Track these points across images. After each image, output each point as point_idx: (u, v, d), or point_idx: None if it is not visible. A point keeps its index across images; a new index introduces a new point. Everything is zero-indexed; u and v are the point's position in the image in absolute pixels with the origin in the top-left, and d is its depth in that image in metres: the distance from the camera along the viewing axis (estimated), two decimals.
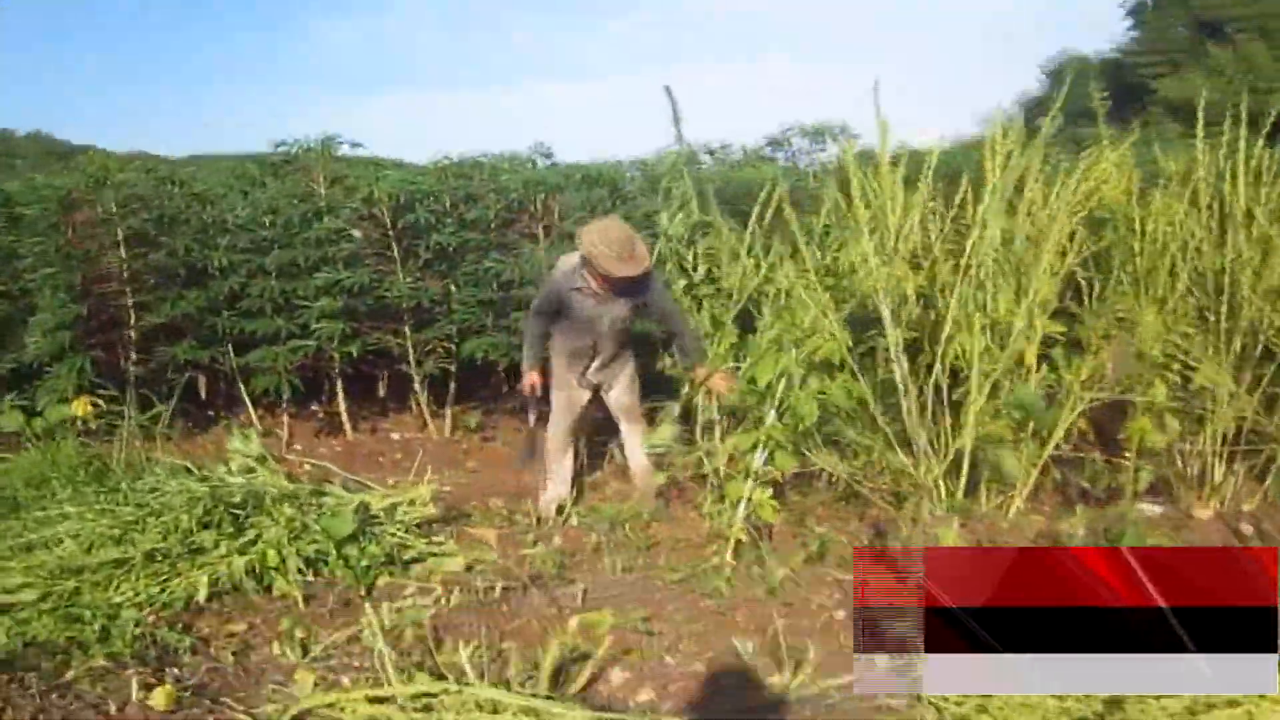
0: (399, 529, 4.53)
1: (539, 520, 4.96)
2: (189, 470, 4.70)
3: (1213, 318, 4.51)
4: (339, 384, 6.67)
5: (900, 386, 4.04)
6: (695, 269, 5.31)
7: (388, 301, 6.22)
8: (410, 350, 6.37)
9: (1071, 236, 4.53)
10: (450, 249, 6.25)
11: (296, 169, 6.69)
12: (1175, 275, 4.58)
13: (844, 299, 4.06)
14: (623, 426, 5.12)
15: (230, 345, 6.45)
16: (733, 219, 5.37)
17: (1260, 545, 4.35)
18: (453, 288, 6.38)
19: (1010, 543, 4.29)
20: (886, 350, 4.08)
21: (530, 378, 5.05)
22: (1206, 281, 4.56)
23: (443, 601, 3.93)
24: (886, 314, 3.95)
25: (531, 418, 5.29)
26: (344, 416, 6.72)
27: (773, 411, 3.99)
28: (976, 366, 3.76)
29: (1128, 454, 4.59)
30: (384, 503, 4.58)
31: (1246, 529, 4.48)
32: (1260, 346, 4.45)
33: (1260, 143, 4.83)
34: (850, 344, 4.04)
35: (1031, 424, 4.18)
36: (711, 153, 6.94)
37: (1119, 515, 4.50)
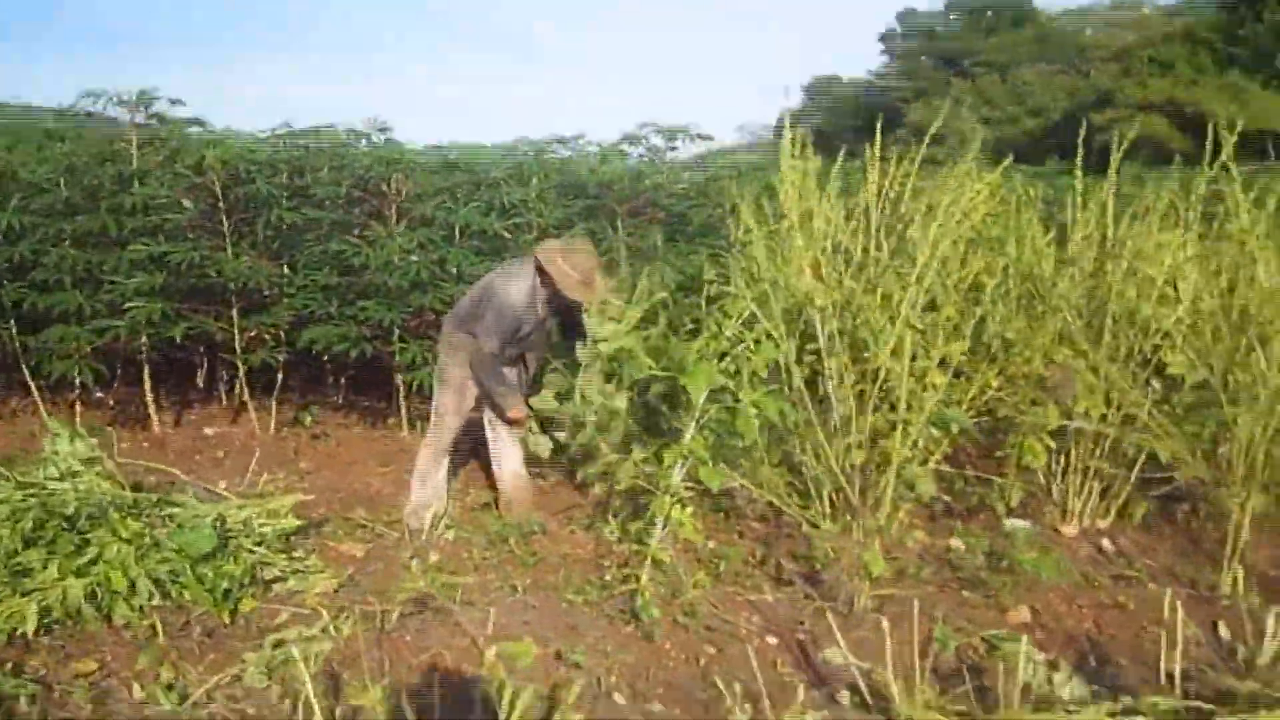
0: (255, 544, 4.00)
1: (408, 532, 4.53)
2: (1, 474, 3.95)
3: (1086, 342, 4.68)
4: (145, 370, 5.92)
5: (836, 406, 3.94)
6: None
7: (212, 281, 5.55)
8: (235, 336, 5.72)
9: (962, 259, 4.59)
10: (287, 227, 5.65)
11: (103, 124, 5.87)
12: (1044, 298, 4.74)
13: (768, 307, 3.90)
14: (501, 436, 4.71)
15: (13, 322, 5.60)
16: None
17: (1119, 561, 4.57)
18: (287, 269, 5.80)
19: (903, 558, 4.29)
20: (808, 363, 3.97)
21: (516, 408, 4.59)
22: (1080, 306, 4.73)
23: (331, 630, 3.48)
24: (821, 327, 3.84)
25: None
26: (150, 408, 5.97)
27: (693, 424, 3.79)
28: (905, 386, 3.71)
29: (996, 472, 4.72)
30: (240, 514, 4.03)
31: (1108, 545, 4.70)
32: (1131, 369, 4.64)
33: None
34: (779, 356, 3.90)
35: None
36: (563, 142, 6.63)
37: (1001, 532, 4.61)
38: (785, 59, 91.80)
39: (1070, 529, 4.81)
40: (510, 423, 4.60)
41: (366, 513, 4.83)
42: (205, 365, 6.35)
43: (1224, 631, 3.77)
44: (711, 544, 4.42)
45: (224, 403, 6.54)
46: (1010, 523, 4.80)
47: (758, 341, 3.82)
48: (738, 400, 3.78)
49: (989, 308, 4.71)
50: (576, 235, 4.63)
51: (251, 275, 5.49)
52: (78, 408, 5.92)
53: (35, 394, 5.82)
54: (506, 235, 5.65)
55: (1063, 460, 4.84)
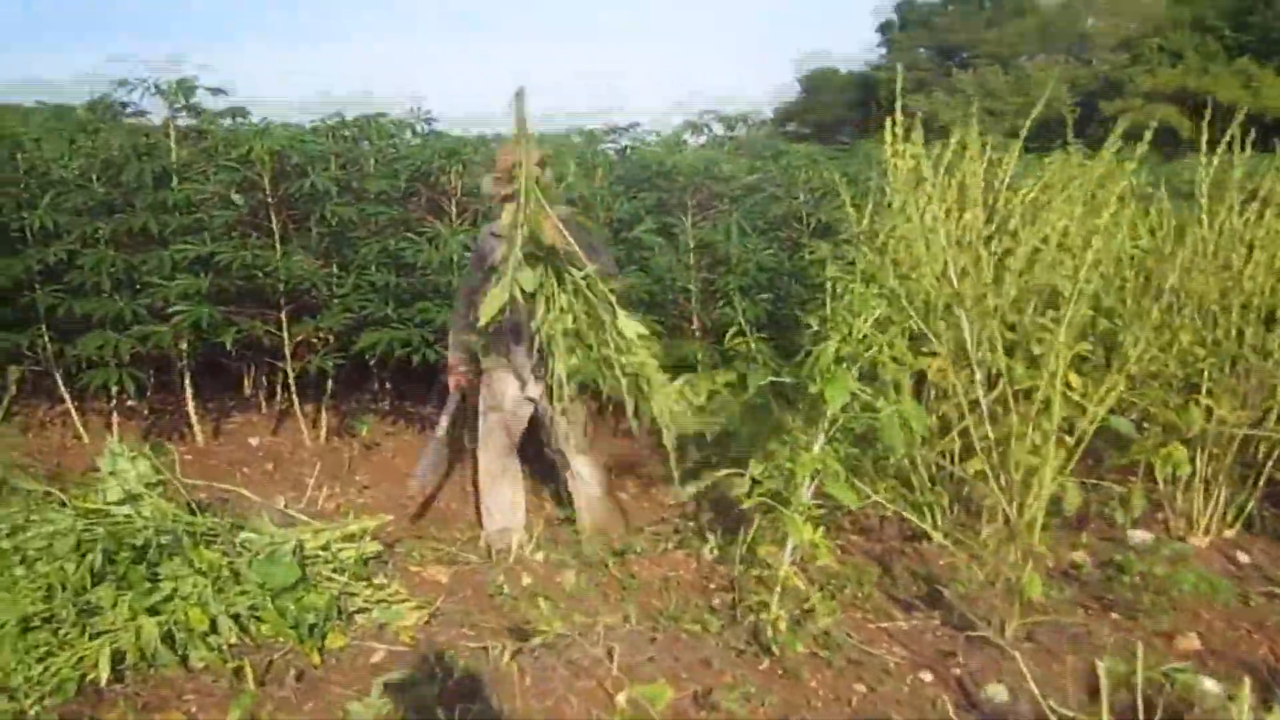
0: (336, 571, 3.63)
1: (490, 553, 4.17)
2: (60, 500, 3.57)
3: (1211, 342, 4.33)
4: (185, 378, 5.54)
5: (985, 415, 3.57)
6: None
7: (260, 283, 5.17)
8: (286, 341, 5.33)
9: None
10: (341, 224, 5.27)
11: (135, 116, 5.50)
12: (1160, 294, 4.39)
13: (903, 306, 3.54)
14: (569, 460, 4.24)
15: (45, 328, 5.23)
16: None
17: (1256, 575, 4.23)
18: (336, 269, 5.42)
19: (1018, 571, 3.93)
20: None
21: (455, 374, 4.24)
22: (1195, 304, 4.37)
23: (438, 674, 3.12)
24: (969, 331, 3.47)
25: (443, 424, 4.42)
26: (192, 417, 5.59)
27: (821, 436, 3.43)
28: (1059, 392, 3.36)
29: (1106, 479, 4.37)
30: (319, 539, 3.66)
31: (1243, 557, 4.36)
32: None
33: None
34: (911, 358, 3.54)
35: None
36: (621, 130, 6.25)
37: (1125, 544, 4.27)
38: (778, 50, 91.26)
39: (1200, 540, 4.46)
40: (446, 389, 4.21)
41: (438, 530, 4.48)
42: (252, 371, 5.96)
43: None
44: (820, 563, 4.06)
45: (263, 410, 6.17)
46: (1134, 534, 4.46)
47: (892, 344, 3.46)
48: (872, 409, 3.43)
49: (1118, 304, 4.36)
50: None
51: (305, 276, 5.10)
52: (114, 418, 5.54)
53: (68, 403, 5.44)
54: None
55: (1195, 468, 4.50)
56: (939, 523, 4.16)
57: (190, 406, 5.57)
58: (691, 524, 4.56)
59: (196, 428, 5.59)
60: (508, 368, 4.06)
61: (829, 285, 3.70)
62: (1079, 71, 41.82)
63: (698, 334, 5.61)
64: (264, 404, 6.18)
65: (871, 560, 4.14)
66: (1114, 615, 3.69)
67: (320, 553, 3.61)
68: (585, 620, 3.51)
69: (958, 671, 3.23)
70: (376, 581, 3.75)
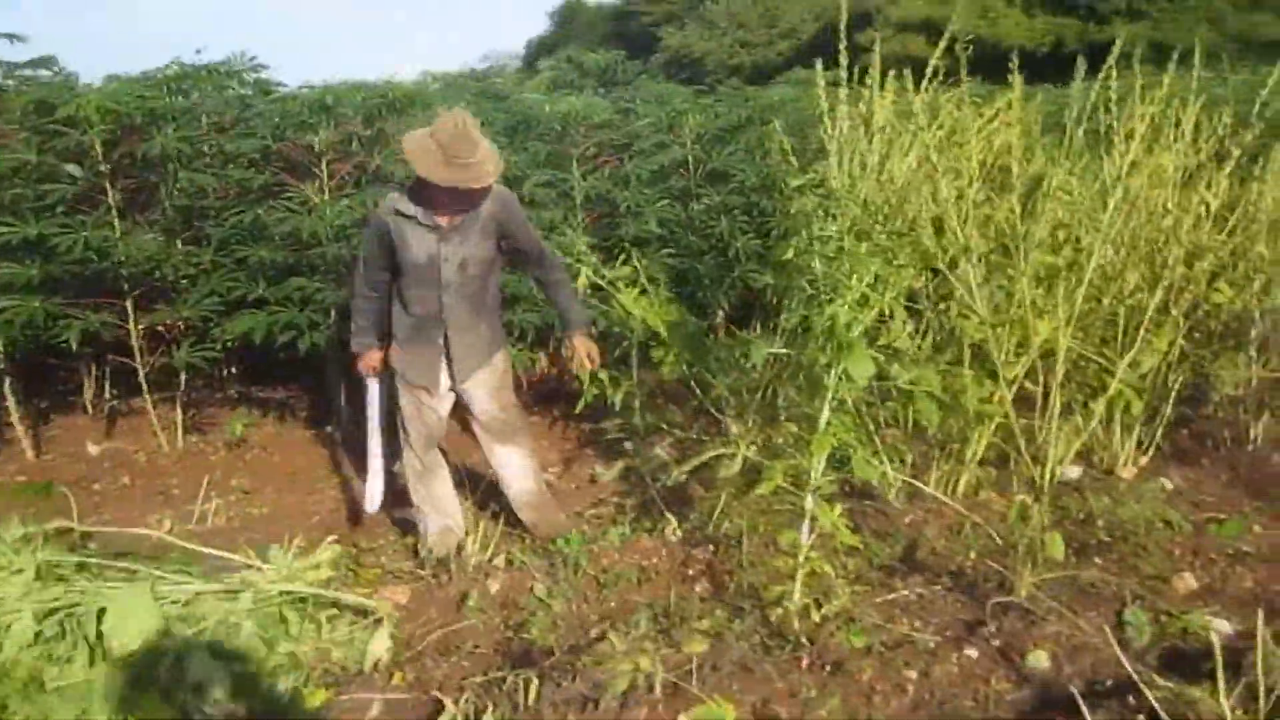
0: (300, 616, 3.10)
1: (440, 564, 3.70)
2: None
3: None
4: (5, 385, 4.67)
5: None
6: None
7: (99, 268, 4.37)
8: (133, 333, 4.56)
9: None
10: (195, 193, 4.53)
11: None
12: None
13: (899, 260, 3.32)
14: (494, 450, 3.79)
15: None
16: None
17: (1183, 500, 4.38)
18: (178, 245, 4.66)
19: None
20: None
21: (369, 356, 3.72)
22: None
23: None
24: (976, 286, 3.30)
25: (374, 424, 3.91)
26: (18, 429, 4.73)
27: (826, 409, 3.19)
28: (1064, 348, 3.25)
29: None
30: (273, 586, 3.09)
31: (1168, 484, 4.50)
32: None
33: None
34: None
35: None
36: (480, 77, 5.71)
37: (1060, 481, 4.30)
38: None
39: (1128, 472, 4.59)
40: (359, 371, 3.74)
41: (367, 542, 3.98)
42: (93, 370, 5.13)
43: None
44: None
45: (88, 411, 5.33)
46: (1068, 471, 4.52)
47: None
48: (885, 379, 3.23)
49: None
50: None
51: (151, 256, 4.35)
52: None
53: None
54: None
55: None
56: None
57: (15, 417, 4.70)
58: (630, 502, 4.28)
59: (25, 444, 4.74)
60: (433, 352, 3.58)
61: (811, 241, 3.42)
62: (826, 2, 43.22)
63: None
64: (88, 406, 5.34)
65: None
66: (1097, 560, 3.68)
67: (277, 597, 3.05)
68: (582, 630, 3.18)
69: (997, 643, 3.11)
70: (335, 613, 3.24)
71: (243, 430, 5.00)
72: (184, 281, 4.58)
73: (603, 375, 4.26)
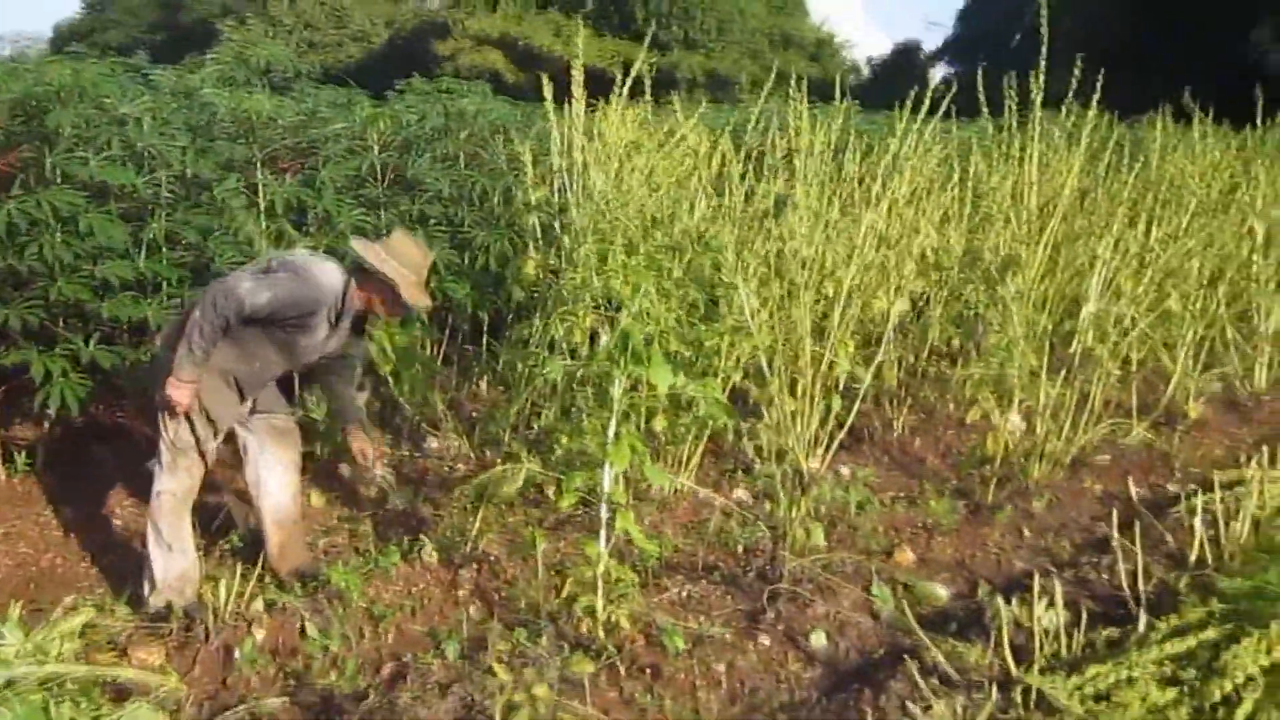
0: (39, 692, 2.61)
1: (186, 614, 3.27)
2: None
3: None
4: None
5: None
6: None
7: None
8: None
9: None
10: None
11: None
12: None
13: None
14: (268, 452, 3.53)
15: None
16: None
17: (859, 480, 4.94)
18: None
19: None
20: None
21: (192, 390, 3.18)
22: None
23: None
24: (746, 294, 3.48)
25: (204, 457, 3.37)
26: None
27: (613, 420, 3.23)
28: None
29: None
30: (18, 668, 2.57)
31: (845, 471, 5.00)
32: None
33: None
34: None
35: None
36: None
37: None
38: None
39: (817, 464, 5.06)
40: (164, 403, 3.24)
41: (84, 596, 3.44)
42: None
43: None
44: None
45: None
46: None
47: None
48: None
49: None
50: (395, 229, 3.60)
51: None
52: None
53: None
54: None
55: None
56: None
57: None
58: (361, 529, 4.07)
59: None
60: (230, 387, 3.26)
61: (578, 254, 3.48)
62: (399, 8, 42.81)
63: None
64: None
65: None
66: (836, 541, 4.04)
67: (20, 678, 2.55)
68: (372, 669, 3.01)
69: (781, 628, 3.34)
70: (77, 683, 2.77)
71: None
72: None
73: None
